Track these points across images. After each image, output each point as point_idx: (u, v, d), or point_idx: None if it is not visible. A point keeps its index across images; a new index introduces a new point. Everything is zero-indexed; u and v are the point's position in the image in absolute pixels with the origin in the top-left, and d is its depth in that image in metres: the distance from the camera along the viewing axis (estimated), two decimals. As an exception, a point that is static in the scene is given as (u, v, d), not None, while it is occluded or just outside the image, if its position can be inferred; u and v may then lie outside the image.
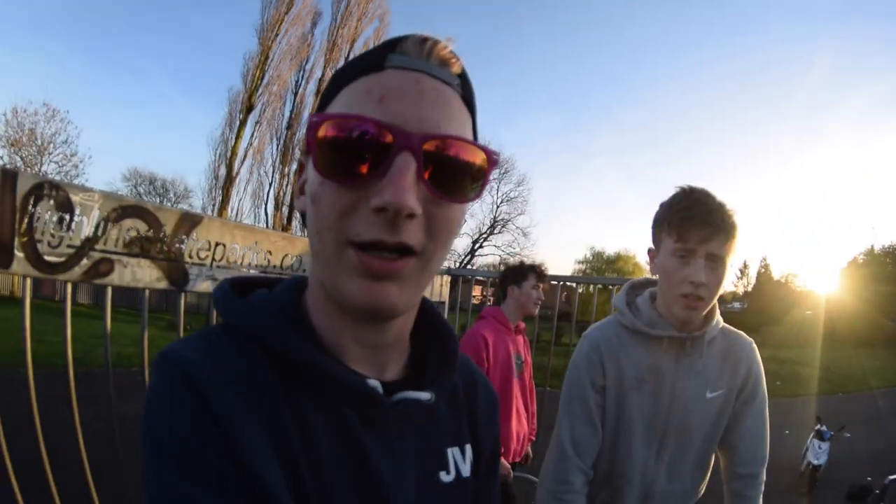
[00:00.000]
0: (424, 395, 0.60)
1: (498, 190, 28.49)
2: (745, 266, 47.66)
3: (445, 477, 0.64)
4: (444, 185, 0.50)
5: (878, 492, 6.27)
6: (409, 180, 0.47)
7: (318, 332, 0.57)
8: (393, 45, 0.53)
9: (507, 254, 27.97)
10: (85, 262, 1.95)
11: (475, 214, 32.05)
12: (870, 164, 68.32)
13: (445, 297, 4.01)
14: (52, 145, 21.36)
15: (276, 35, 19.93)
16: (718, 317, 1.38)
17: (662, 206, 1.34)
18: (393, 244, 0.48)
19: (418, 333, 0.67)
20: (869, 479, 6.61)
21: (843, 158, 70.27)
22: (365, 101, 0.50)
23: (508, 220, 28.04)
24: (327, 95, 0.57)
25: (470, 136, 0.56)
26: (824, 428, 7.23)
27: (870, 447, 8.24)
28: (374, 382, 0.56)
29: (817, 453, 6.89)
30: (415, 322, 0.64)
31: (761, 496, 1.42)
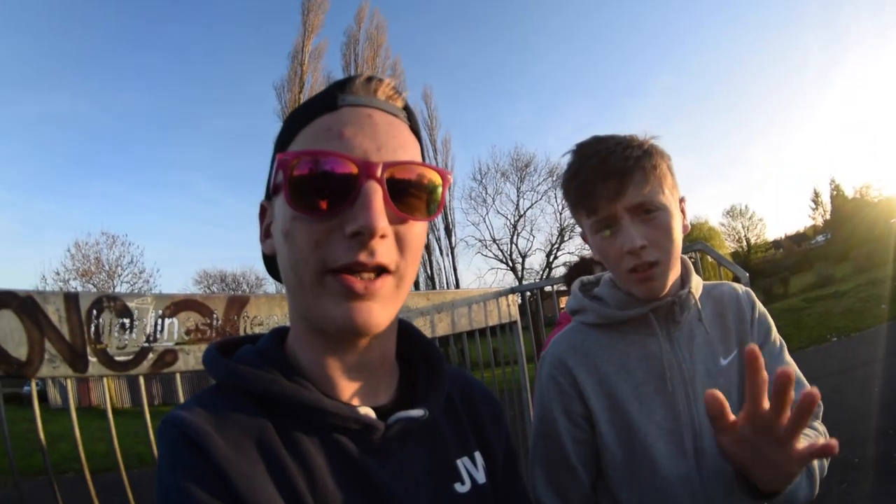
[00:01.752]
0: (418, 412, 0.61)
1: (556, 197, 28.04)
2: (817, 194, 44.60)
3: (461, 488, 0.65)
4: (408, 206, 0.56)
5: None
6: (378, 205, 0.52)
7: (306, 370, 0.59)
8: (342, 86, 0.58)
9: (583, 258, 27.27)
10: (151, 356, 2.14)
11: (541, 228, 31.56)
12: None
13: (516, 315, 3.92)
14: (119, 268, 23.37)
15: None
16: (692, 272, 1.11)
17: (562, 184, 1.08)
18: (372, 265, 0.53)
19: (403, 355, 0.70)
20: None
21: (874, 54, 62.86)
22: (326, 138, 0.55)
23: (575, 224, 27.27)
24: (285, 137, 0.60)
25: (420, 160, 0.61)
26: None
27: None
28: (364, 409, 0.58)
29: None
30: (399, 344, 0.68)
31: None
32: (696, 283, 1.09)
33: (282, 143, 0.61)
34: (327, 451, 0.55)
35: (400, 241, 0.56)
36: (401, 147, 0.57)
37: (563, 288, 4.23)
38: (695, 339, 1.06)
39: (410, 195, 0.56)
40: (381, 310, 0.55)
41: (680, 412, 1.02)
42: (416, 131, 0.63)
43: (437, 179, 0.59)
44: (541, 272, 27.47)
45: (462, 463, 0.67)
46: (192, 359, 2.27)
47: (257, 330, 2.47)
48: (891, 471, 4.97)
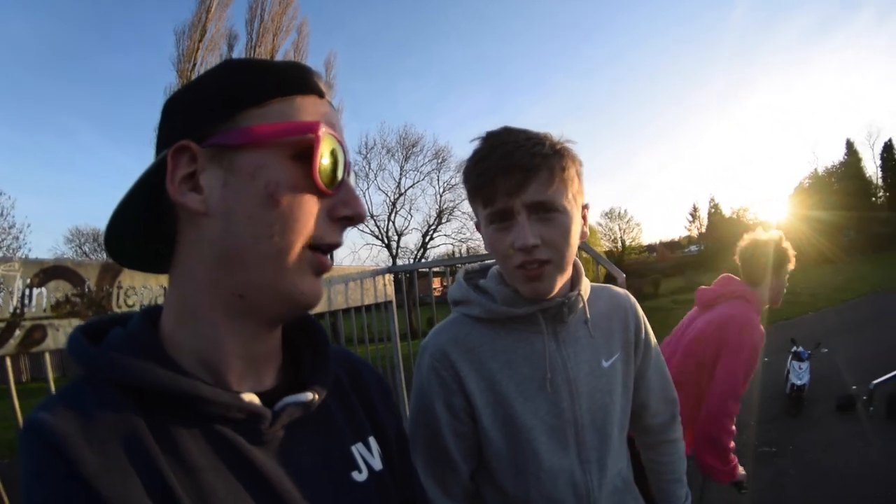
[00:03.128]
0: (306, 396, 0.59)
1: (439, 179, 28.80)
2: (696, 209, 49.76)
3: (358, 476, 0.63)
4: None
5: (865, 398, 6.56)
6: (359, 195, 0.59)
7: (186, 356, 0.54)
8: (315, 76, 0.59)
9: (459, 240, 28.23)
10: (18, 333, 1.90)
11: (420, 209, 31.83)
12: (804, 93, 70.36)
13: (392, 295, 3.97)
14: (-17, 221, 20.19)
15: (194, 64, 19.13)
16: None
17: (463, 171, 1.05)
18: (340, 245, 0.58)
19: (287, 335, 0.66)
20: (854, 387, 6.89)
21: (778, 90, 72.63)
22: (325, 121, 0.57)
23: (454, 207, 28.04)
24: (257, 91, 0.54)
25: None
26: (800, 349, 7.49)
27: (848, 357, 8.58)
28: (248, 396, 0.54)
29: (798, 374, 7.13)
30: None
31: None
32: (585, 286, 1.11)
33: (241, 95, 0.54)
34: (210, 447, 0.50)
35: None
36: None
37: (438, 269, 4.37)
38: (579, 340, 1.09)
39: None
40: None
41: (563, 409, 1.06)
42: None
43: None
44: (416, 252, 27.97)
45: (357, 449, 0.65)
46: (61, 335, 2.03)
47: (130, 301, 2.28)
48: (754, 458, 5.69)
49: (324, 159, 0.54)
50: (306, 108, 0.56)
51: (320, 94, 0.58)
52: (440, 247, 28.93)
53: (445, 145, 30.24)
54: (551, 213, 0.95)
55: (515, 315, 1.05)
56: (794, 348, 7.55)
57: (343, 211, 0.57)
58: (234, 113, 0.53)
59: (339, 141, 0.57)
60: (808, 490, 4.77)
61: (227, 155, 0.52)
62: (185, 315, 0.55)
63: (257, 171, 0.52)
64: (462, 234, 28.13)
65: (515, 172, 0.93)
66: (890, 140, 39.53)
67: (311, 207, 0.54)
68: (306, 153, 0.53)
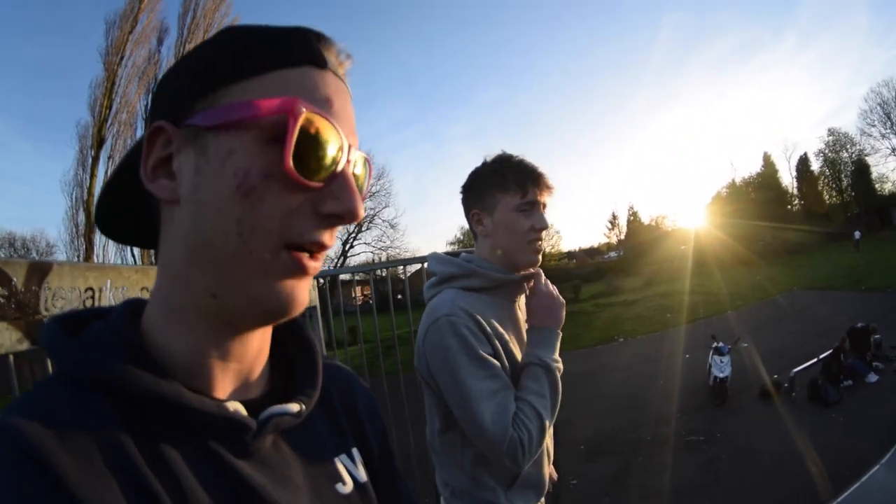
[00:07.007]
0: (294, 407, 0.55)
1: None
2: (615, 217, 51.59)
3: (343, 489, 0.60)
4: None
5: (786, 385, 7.04)
6: (357, 190, 0.50)
7: (168, 358, 0.50)
8: (323, 42, 0.51)
9: (379, 248, 28.22)
10: None
11: None
12: (724, 108, 74.85)
13: (315, 300, 3.91)
14: None
15: (122, 57, 18.02)
16: None
17: (490, 171, 1.44)
18: (328, 246, 0.50)
19: (276, 342, 0.62)
20: (775, 376, 7.36)
21: (700, 105, 76.63)
22: (312, 98, 0.48)
23: (374, 215, 27.97)
24: (238, 62, 0.48)
25: None
26: (720, 344, 7.95)
27: (768, 350, 9.16)
28: (233, 405, 0.50)
29: (720, 367, 7.58)
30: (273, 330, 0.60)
31: None
32: None
33: (220, 68, 0.49)
34: (194, 457, 0.47)
35: None
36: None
37: (361, 277, 4.31)
38: (523, 307, 1.49)
39: (358, 185, 0.53)
40: (308, 289, 0.51)
41: (517, 364, 1.37)
42: None
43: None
44: (336, 260, 27.45)
45: (341, 461, 0.63)
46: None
47: (59, 304, 2.15)
48: (680, 446, 5.98)
49: (306, 144, 0.46)
50: (295, 81, 0.48)
51: (319, 65, 0.50)
52: (360, 255, 28.75)
53: (368, 152, 29.96)
54: (544, 212, 1.41)
55: (510, 280, 1.40)
56: (715, 344, 8.02)
57: (329, 206, 0.48)
58: (213, 89, 0.47)
59: (330, 122, 0.48)
60: (741, 471, 5.07)
61: (201, 137, 0.47)
62: (166, 312, 0.51)
63: (228, 156, 0.46)
64: (382, 241, 28.13)
65: (542, 180, 1.40)
66: (805, 154, 42.96)
67: (287, 201, 0.46)
68: (283, 137, 0.45)
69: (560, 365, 1.34)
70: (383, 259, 27.43)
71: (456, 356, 1.24)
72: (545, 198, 1.40)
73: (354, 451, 0.65)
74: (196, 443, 0.48)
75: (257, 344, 0.55)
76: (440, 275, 1.44)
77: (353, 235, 28.00)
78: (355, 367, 3.23)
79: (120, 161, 0.53)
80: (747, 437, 5.95)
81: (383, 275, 3.83)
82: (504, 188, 1.39)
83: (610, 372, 10.04)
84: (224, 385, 0.52)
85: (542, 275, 1.48)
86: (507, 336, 1.34)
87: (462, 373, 1.23)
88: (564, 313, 1.42)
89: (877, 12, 59.74)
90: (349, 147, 0.50)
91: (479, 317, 1.28)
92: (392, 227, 28.44)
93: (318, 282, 3.82)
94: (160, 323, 0.51)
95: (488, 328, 1.29)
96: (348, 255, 28.05)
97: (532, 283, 1.45)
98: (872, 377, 7.34)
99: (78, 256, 18.48)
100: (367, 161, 0.57)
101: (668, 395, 7.78)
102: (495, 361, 1.27)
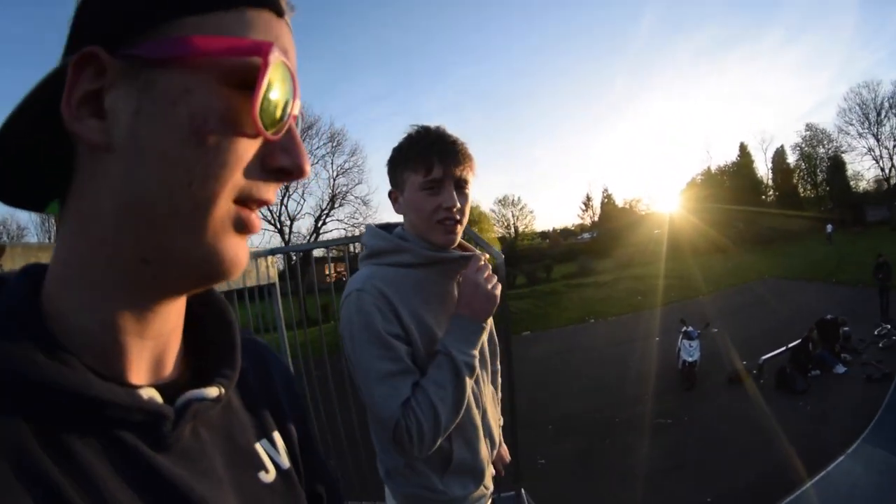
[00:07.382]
0: (212, 392, 0.49)
1: (332, 163, 28.96)
2: (589, 199, 52.26)
3: (265, 477, 0.55)
4: None
5: (755, 371, 7.15)
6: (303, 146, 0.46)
7: (74, 335, 0.42)
8: None
9: (352, 225, 28.65)
10: None
11: (313, 192, 31.97)
12: (704, 97, 75.47)
13: (275, 278, 3.76)
14: None
15: None
16: None
17: (402, 147, 1.36)
18: (272, 203, 0.46)
19: (189, 315, 0.54)
20: (744, 362, 7.47)
21: (679, 93, 77.17)
22: (279, 47, 0.43)
23: (347, 192, 28.54)
24: None
25: None
26: (690, 328, 8.02)
27: (737, 336, 9.31)
28: (148, 392, 0.45)
29: (689, 351, 7.66)
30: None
31: None
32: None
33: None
34: (108, 455, 0.41)
35: None
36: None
37: (335, 254, 4.19)
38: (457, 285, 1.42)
39: None
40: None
41: None
42: None
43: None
44: (308, 237, 27.98)
45: (262, 447, 0.57)
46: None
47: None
48: (647, 428, 6.03)
49: (272, 93, 0.42)
50: (257, 24, 0.43)
51: (278, 12, 0.45)
52: (332, 231, 29.15)
53: (341, 129, 29.82)
54: (464, 190, 1.34)
55: (444, 259, 1.35)
56: (684, 328, 8.08)
57: (281, 160, 0.44)
58: (165, 18, 0.40)
59: (291, 73, 0.45)
60: (708, 455, 5.13)
61: (146, 72, 0.40)
62: (72, 279, 0.43)
63: (181, 96, 0.40)
64: (354, 218, 28.52)
65: (453, 154, 1.30)
66: (782, 146, 44.35)
67: (244, 151, 0.42)
68: (248, 82, 0.40)
69: (472, 360, 1.28)
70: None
71: (357, 333, 1.24)
72: (461, 173, 1.31)
73: (275, 434, 0.60)
74: (109, 438, 0.42)
75: (175, 316, 0.49)
76: (369, 248, 1.41)
77: (325, 212, 28.45)
78: (330, 344, 3.18)
79: (24, 97, 0.42)
80: (715, 422, 6.03)
81: (358, 251, 3.64)
82: (409, 167, 1.34)
83: (580, 352, 10.14)
84: (139, 366, 0.46)
85: (480, 259, 1.38)
86: (429, 317, 1.31)
87: (360, 350, 1.24)
88: (492, 307, 1.33)
89: (864, 15, 61.34)
90: (298, 101, 0.47)
91: (390, 295, 1.25)
92: (365, 203, 29.03)
93: (290, 257, 3.62)
94: (66, 294, 0.44)
95: (401, 308, 1.26)
96: (321, 231, 28.45)
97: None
98: (840, 368, 7.49)
99: (49, 238, 18.17)
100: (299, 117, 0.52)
101: (637, 378, 7.88)
102: (397, 343, 1.24)
